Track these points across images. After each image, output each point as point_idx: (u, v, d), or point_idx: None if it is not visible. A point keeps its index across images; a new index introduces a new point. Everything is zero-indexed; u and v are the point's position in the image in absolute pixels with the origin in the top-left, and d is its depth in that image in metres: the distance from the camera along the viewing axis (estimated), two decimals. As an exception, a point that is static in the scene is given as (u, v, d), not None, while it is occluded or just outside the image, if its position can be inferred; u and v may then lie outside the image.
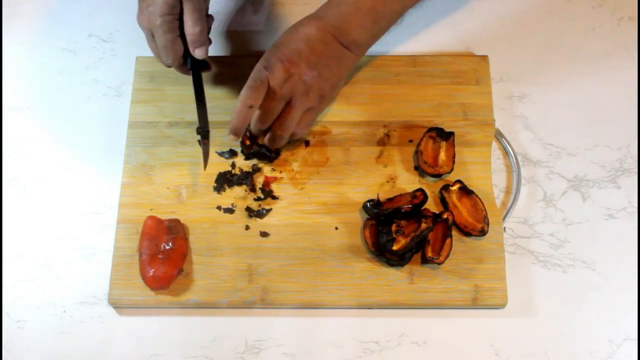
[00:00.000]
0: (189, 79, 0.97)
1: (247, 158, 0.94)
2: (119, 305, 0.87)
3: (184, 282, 0.87)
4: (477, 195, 0.90)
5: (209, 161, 0.93)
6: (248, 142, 0.93)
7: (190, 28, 0.86)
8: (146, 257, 0.86)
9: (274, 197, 0.92)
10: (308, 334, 0.87)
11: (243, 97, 0.84)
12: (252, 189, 0.92)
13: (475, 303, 0.86)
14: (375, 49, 0.94)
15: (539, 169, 0.95)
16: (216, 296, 0.87)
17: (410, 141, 0.94)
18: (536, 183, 0.94)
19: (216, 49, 1.02)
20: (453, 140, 0.93)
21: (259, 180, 0.93)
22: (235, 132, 0.86)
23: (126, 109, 0.96)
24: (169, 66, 0.89)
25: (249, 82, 0.84)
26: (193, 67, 0.90)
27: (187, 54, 0.88)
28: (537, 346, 0.86)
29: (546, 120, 0.97)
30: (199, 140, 0.93)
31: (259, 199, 0.91)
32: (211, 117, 0.95)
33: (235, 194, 0.92)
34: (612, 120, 0.97)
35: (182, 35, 0.87)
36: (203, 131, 0.90)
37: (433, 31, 1.02)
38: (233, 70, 0.98)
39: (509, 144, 0.95)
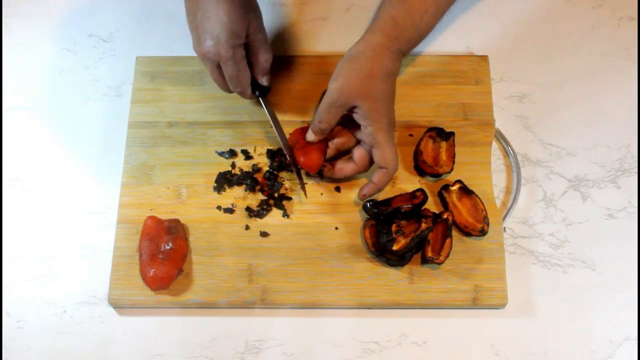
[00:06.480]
0: (189, 79, 0.97)
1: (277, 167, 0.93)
2: (119, 305, 0.87)
3: (184, 282, 0.87)
4: (477, 195, 0.90)
5: (209, 161, 0.93)
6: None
7: (262, 57, 0.88)
8: (146, 257, 0.86)
9: (274, 198, 0.91)
10: (308, 334, 0.87)
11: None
12: (252, 190, 0.92)
13: (475, 303, 0.86)
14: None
15: (539, 169, 0.94)
16: (216, 296, 0.87)
17: (411, 135, 0.94)
18: (536, 183, 0.94)
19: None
20: (453, 140, 0.93)
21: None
22: (320, 133, 0.88)
23: (126, 109, 0.96)
24: (229, 92, 0.90)
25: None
26: (258, 93, 0.91)
27: (252, 80, 0.89)
28: (537, 346, 0.86)
29: (546, 120, 0.97)
30: (291, 166, 0.92)
31: (262, 203, 0.91)
32: (211, 117, 0.95)
33: (235, 194, 0.92)
34: (612, 120, 0.97)
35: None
36: (288, 150, 0.91)
37: (433, 31, 1.02)
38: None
39: (509, 144, 0.95)
